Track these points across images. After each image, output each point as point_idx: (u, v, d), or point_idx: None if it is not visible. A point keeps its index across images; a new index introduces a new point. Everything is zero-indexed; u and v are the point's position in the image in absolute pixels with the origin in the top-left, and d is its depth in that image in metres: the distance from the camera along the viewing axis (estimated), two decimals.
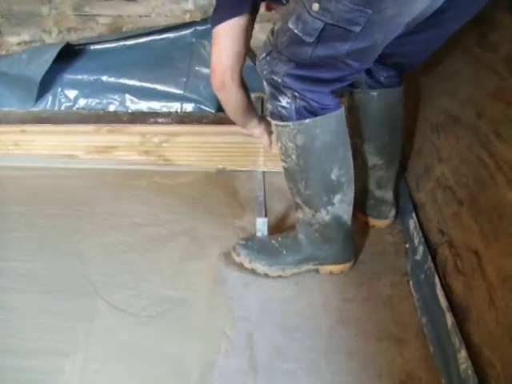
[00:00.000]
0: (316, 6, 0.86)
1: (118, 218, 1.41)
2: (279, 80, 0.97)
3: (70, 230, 1.37)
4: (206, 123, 1.76)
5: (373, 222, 1.34)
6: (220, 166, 1.57)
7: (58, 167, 1.62)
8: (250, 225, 1.35)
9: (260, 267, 1.18)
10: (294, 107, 0.99)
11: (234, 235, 1.32)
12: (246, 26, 1.13)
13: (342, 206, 1.10)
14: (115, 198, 1.49)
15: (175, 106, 1.89)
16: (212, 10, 1.17)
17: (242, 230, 1.35)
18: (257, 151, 1.54)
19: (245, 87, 1.23)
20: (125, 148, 1.60)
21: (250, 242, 1.22)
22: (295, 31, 0.91)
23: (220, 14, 1.12)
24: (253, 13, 1.14)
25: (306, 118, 1.00)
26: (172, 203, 1.46)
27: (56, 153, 1.63)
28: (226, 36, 1.13)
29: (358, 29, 0.86)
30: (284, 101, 1.00)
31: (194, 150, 1.58)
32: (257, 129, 1.41)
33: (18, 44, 2.14)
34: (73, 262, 1.26)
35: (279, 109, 1.01)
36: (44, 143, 1.63)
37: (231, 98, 1.22)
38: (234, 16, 1.10)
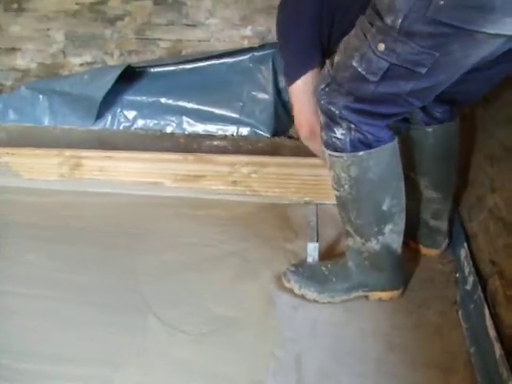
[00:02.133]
0: (381, 47, 0.95)
1: (176, 238, 1.63)
2: (336, 111, 1.11)
3: (129, 247, 1.60)
4: (261, 147, 1.99)
5: (424, 250, 1.50)
6: (307, 199, 1.74)
7: (141, 194, 1.85)
8: (301, 249, 1.52)
9: (309, 294, 1.35)
10: (348, 139, 1.15)
11: (286, 259, 1.51)
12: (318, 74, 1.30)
13: (392, 236, 1.26)
14: (177, 219, 1.72)
15: (231, 130, 2.13)
16: (283, 68, 1.37)
17: (294, 254, 1.54)
18: None
19: None
20: (212, 177, 1.79)
21: (301, 269, 1.39)
22: (359, 69, 1.01)
23: (292, 73, 1.32)
24: (322, 62, 1.30)
25: (360, 150, 1.15)
26: (227, 225, 1.67)
27: (141, 180, 1.84)
28: (303, 92, 1.32)
29: (423, 70, 0.94)
30: (339, 132, 1.15)
31: (281, 181, 1.76)
32: None
33: (81, 65, 2.46)
34: (128, 277, 1.48)
35: (333, 140, 1.17)
36: (129, 170, 1.86)
37: (320, 145, 1.39)
38: (306, 72, 1.29)
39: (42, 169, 1.95)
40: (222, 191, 1.79)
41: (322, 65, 1.28)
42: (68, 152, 1.94)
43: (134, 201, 1.82)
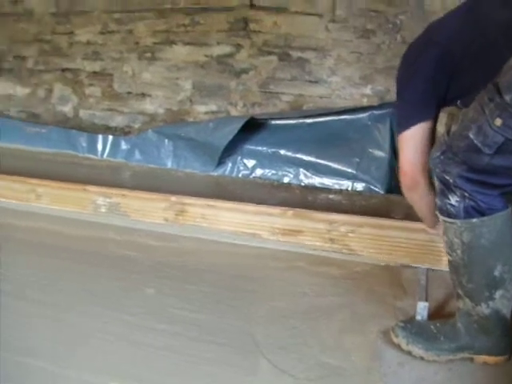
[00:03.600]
0: (499, 122, 1.09)
1: (289, 287, 1.87)
2: (451, 180, 1.29)
3: (244, 291, 1.85)
4: (374, 204, 2.23)
5: None
6: (398, 261, 1.87)
7: (240, 244, 2.07)
8: (410, 307, 1.69)
9: (416, 350, 1.50)
10: (462, 206, 1.32)
11: (394, 315, 1.68)
12: (430, 127, 1.49)
13: (502, 301, 1.40)
14: (289, 270, 1.96)
15: (346, 184, 2.41)
16: (396, 115, 1.60)
17: (402, 311, 1.71)
18: (440, 250, 1.77)
19: (433, 186, 1.43)
20: (310, 233, 1.99)
21: (409, 325, 1.55)
22: (475, 141, 1.16)
23: (405, 121, 1.50)
24: (434, 117, 1.50)
25: (473, 217, 1.31)
26: (338, 277, 1.90)
27: (240, 230, 2.07)
28: (413, 141, 1.49)
29: None
30: (453, 199, 1.32)
31: (377, 242, 1.92)
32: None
33: (206, 113, 2.89)
34: (242, 320, 1.72)
35: (448, 206, 1.34)
36: (230, 219, 2.09)
37: (421, 197, 1.56)
38: (416, 123, 1.47)
39: (148, 211, 2.25)
40: (319, 247, 1.97)
41: (434, 120, 1.48)
42: (174, 198, 2.23)
43: (234, 250, 2.08)
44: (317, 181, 2.47)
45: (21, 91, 3.51)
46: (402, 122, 1.51)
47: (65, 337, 1.66)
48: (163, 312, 1.74)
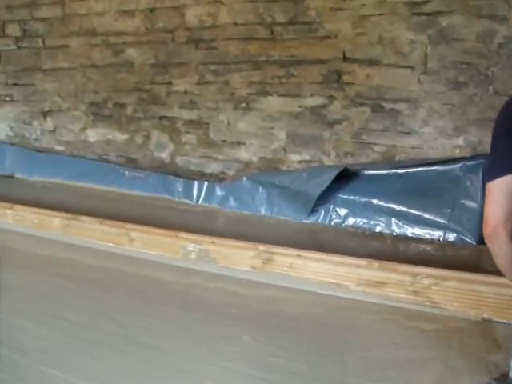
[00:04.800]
0: None
1: (379, 338, 2.08)
2: None
3: (334, 341, 2.07)
4: (465, 255, 2.49)
5: None
6: (485, 316, 2.01)
7: (326, 294, 2.31)
8: (503, 362, 1.82)
9: None
10: None
11: (487, 370, 1.82)
12: None
13: None
14: (378, 321, 2.17)
15: (438, 235, 2.66)
16: (486, 164, 1.79)
17: (496, 366, 1.84)
18: None
19: None
20: (394, 285, 2.18)
21: (503, 381, 1.70)
22: None
23: (495, 170, 1.63)
24: None
25: None
26: (429, 330, 2.09)
27: (326, 280, 2.31)
28: (500, 191, 1.61)
29: None
30: None
31: (462, 296, 2.07)
32: None
33: (299, 162, 3.25)
34: (335, 369, 1.92)
35: None
36: (316, 269, 2.34)
37: (502, 249, 1.66)
38: (506, 174, 1.59)
39: (236, 259, 2.54)
40: (402, 299, 2.16)
41: None
42: (262, 246, 2.50)
43: (320, 299, 2.32)
44: (408, 231, 2.74)
45: (120, 137, 4.03)
46: (490, 171, 1.66)
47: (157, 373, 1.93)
48: (261, 359, 1.95)
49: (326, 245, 2.67)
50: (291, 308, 2.28)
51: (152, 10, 3.62)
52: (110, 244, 2.92)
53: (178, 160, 3.78)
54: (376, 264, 2.27)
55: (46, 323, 2.26)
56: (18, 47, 4.39)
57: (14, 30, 4.37)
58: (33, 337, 2.17)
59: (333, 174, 2.86)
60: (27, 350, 2.08)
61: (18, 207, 3.38)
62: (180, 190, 3.56)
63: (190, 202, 3.50)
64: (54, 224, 3.19)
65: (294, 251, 2.45)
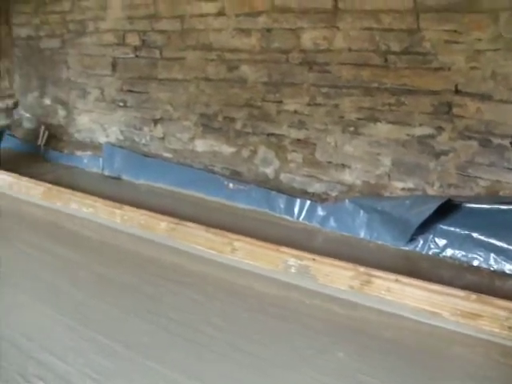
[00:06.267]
0: None
1: (472, 369, 2.22)
2: None
3: (427, 367, 2.21)
4: None
5: None
6: None
7: (420, 320, 2.48)
8: None
9: None
10: None
11: None
12: None
13: None
14: (471, 353, 2.26)
15: None
16: None
17: None
18: None
19: None
20: (489, 319, 2.30)
21: None
22: None
23: None
24: None
25: None
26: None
27: (422, 307, 2.48)
28: None
29: None
30: None
31: None
32: None
33: (402, 189, 3.55)
34: None
35: None
36: (413, 296, 2.52)
37: None
38: None
39: (335, 278, 2.77)
40: (496, 334, 2.28)
41: None
42: (362, 268, 2.73)
43: (414, 325, 2.53)
44: (506, 267, 2.95)
45: (227, 149, 4.47)
46: None
47: (254, 379, 2.17)
48: (353, 376, 2.16)
49: (422, 273, 2.89)
50: (385, 330, 2.53)
51: (269, 30, 4.00)
52: (213, 251, 3.29)
53: (282, 177, 4.16)
54: (473, 296, 2.44)
55: (149, 320, 2.63)
56: (136, 56, 4.93)
57: (133, 39, 4.90)
58: (136, 331, 2.54)
59: (435, 204, 3.13)
60: (131, 343, 2.44)
61: (126, 208, 3.83)
62: (282, 206, 3.92)
63: (290, 218, 3.86)
64: (160, 227, 3.60)
65: (393, 276, 2.69)
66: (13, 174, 4.61)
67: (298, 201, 3.85)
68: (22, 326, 2.58)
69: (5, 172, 4.65)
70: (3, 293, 2.91)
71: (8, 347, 2.40)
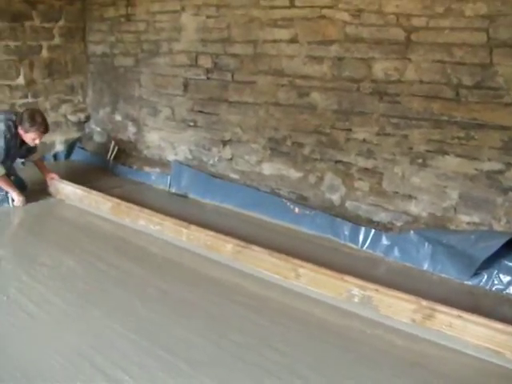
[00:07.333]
0: None
1: None
2: None
3: None
4: None
5: None
6: None
7: (481, 358, 2.67)
8: None
9: None
10: None
11: None
12: None
13: None
14: None
15: None
16: None
17: None
18: None
19: None
20: None
21: None
22: None
23: None
24: None
25: None
26: None
27: (484, 345, 2.66)
28: None
29: None
30: None
31: None
32: None
33: (468, 223, 3.68)
34: None
35: None
36: (476, 333, 2.69)
37: None
38: None
39: (398, 310, 2.95)
40: None
41: None
42: (425, 302, 2.88)
43: (476, 363, 2.67)
44: None
45: (294, 174, 4.68)
46: None
47: None
48: None
49: (484, 309, 3.01)
50: (445, 366, 2.67)
51: (340, 59, 4.20)
52: (277, 276, 3.48)
53: (348, 204, 4.34)
54: None
55: (211, 340, 2.81)
56: (208, 78, 5.22)
57: (205, 61, 5.20)
58: (198, 349, 2.72)
59: (502, 240, 3.26)
60: (193, 360, 2.63)
61: (193, 227, 4.05)
62: (346, 233, 4.11)
63: (354, 246, 4.04)
64: (225, 249, 3.81)
65: (456, 311, 2.83)
66: (83, 188, 4.91)
67: (363, 229, 4.02)
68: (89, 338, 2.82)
69: (76, 185, 4.96)
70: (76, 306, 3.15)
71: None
